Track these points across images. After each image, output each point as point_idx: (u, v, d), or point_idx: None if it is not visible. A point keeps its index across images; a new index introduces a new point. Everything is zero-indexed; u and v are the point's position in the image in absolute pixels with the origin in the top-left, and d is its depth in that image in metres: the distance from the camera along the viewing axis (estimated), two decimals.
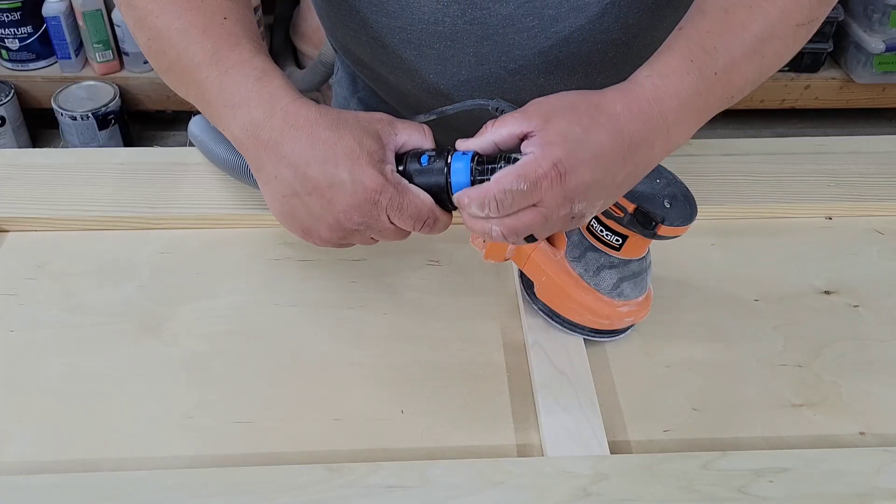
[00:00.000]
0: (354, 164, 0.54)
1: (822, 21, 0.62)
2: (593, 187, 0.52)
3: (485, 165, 0.54)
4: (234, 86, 0.57)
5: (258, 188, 0.67)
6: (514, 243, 0.56)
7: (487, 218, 0.53)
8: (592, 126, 0.52)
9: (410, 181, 0.56)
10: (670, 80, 0.54)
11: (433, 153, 0.56)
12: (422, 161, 0.56)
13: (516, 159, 0.53)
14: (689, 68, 0.55)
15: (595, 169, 0.52)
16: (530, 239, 0.55)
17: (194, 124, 0.82)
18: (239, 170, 0.77)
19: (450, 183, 0.55)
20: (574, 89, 0.57)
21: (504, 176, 0.52)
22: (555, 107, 0.53)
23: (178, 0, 0.59)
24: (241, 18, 0.60)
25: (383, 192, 0.54)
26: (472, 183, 0.55)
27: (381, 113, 0.58)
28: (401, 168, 0.56)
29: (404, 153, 0.57)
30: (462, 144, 0.56)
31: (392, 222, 0.56)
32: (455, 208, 0.57)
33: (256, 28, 0.62)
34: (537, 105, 0.54)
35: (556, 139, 0.51)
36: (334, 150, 0.54)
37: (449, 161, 0.55)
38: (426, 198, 0.56)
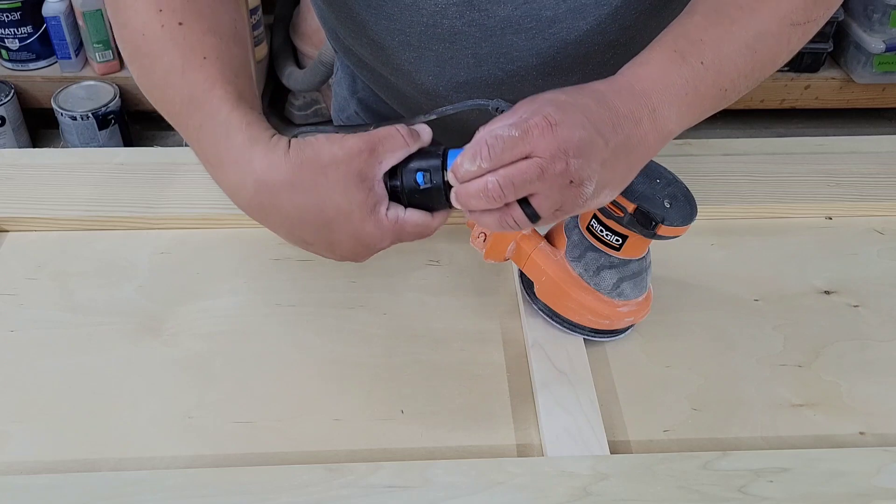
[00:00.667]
0: (347, 223, 0.54)
1: (822, 23, 0.62)
2: (587, 143, 0.51)
3: None
4: (208, 144, 0.56)
5: None
6: (517, 224, 0.53)
7: (482, 173, 0.52)
8: (577, 95, 0.53)
9: (407, 193, 0.56)
10: (651, 66, 0.56)
11: (427, 167, 0.55)
12: (418, 179, 0.56)
13: None
14: (673, 57, 0.56)
15: (586, 125, 0.51)
16: (532, 215, 0.53)
17: None
18: None
19: (447, 182, 0.55)
20: None
21: (495, 124, 0.52)
22: (540, 94, 0.54)
23: (163, 36, 0.58)
24: (221, 56, 0.58)
25: (383, 239, 0.56)
26: None
27: (358, 141, 0.54)
28: (396, 183, 0.56)
29: (396, 167, 0.56)
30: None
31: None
32: (452, 207, 0.57)
33: (240, 63, 0.59)
34: (523, 100, 0.54)
35: (544, 103, 0.52)
36: (324, 214, 0.53)
37: (445, 161, 0.55)
38: (422, 218, 0.56)
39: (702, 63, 0.56)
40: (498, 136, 0.51)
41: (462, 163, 0.52)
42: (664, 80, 0.55)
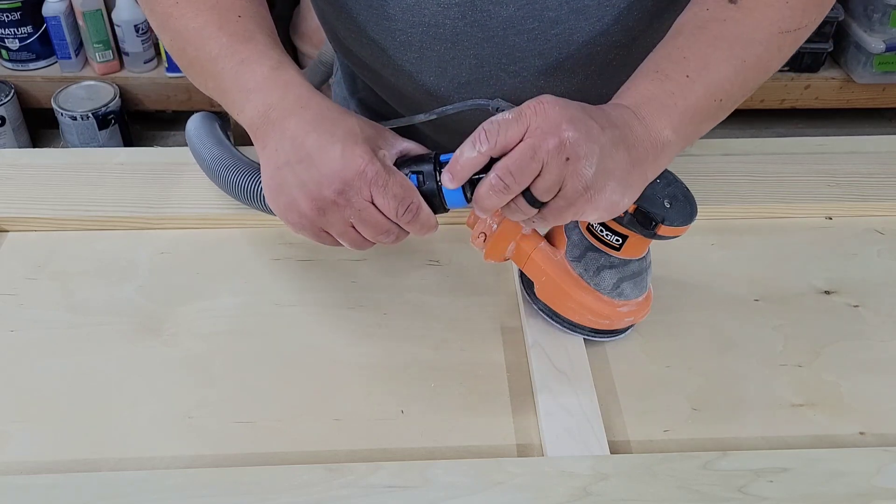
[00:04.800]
0: (348, 140, 0.56)
1: (814, 27, 0.63)
2: (579, 120, 0.53)
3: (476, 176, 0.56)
4: (249, 73, 0.60)
5: (236, 196, 0.71)
6: (521, 211, 0.55)
7: (483, 157, 0.54)
8: (567, 104, 0.54)
9: None
10: (634, 88, 0.58)
11: (421, 170, 0.57)
12: (412, 180, 0.57)
13: None
14: (654, 77, 0.58)
15: (579, 109, 0.54)
16: (531, 199, 0.54)
17: (191, 123, 0.83)
18: (216, 174, 0.76)
19: (440, 186, 0.56)
20: (574, 91, 0.58)
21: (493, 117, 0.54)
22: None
23: (195, 2, 0.63)
24: (254, 15, 0.64)
25: (370, 164, 0.55)
26: (466, 192, 0.56)
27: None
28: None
29: (400, 162, 0.59)
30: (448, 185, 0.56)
31: (374, 202, 0.56)
32: (446, 210, 0.58)
33: (271, 24, 0.65)
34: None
35: (542, 96, 0.54)
36: (334, 127, 0.57)
37: (438, 166, 0.56)
38: (412, 185, 0.57)
39: (687, 76, 0.58)
40: (493, 121, 0.53)
41: (463, 150, 0.54)
42: (647, 95, 0.57)
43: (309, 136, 0.57)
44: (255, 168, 0.72)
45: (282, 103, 0.58)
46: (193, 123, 0.81)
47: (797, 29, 0.61)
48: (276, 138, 0.58)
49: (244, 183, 0.72)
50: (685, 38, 0.60)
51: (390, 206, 0.56)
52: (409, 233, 0.59)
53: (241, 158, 0.74)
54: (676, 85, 0.57)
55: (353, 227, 0.58)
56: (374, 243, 0.59)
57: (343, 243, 0.60)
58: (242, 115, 0.60)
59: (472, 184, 0.56)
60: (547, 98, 0.53)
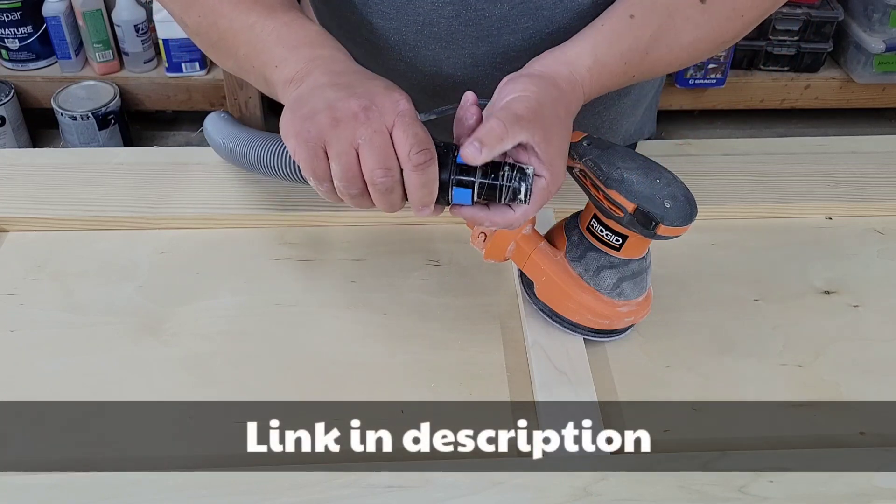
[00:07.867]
0: (392, 84, 0.57)
1: (755, 24, 0.66)
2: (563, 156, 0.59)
3: (488, 180, 0.56)
4: (294, 34, 0.60)
5: (262, 173, 0.70)
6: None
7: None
8: (571, 133, 0.59)
9: None
10: (590, 46, 0.62)
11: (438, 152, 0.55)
12: None
13: (521, 169, 0.55)
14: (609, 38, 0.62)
15: (563, 140, 0.59)
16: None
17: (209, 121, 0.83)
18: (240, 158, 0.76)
19: (452, 179, 0.56)
20: None
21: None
22: (548, 120, 0.57)
23: None
24: None
25: (407, 101, 0.55)
26: (475, 192, 0.56)
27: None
28: None
29: None
30: (470, 156, 0.54)
31: (392, 133, 0.54)
32: (448, 203, 0.58)
33: (297, 5, 0.65)
34: (533, 114, 0.56)
35: (557, 160, 0.56)
36: (379, 78, 0.57)
37: (454, 160, 0.56)
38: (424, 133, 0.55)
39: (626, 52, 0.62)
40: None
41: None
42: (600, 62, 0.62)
43: (354, 74, 0.57)
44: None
45: (332, 57, 0.58)
46: (210, 121, 0.81)
47: (743, 16, 0.64)
48: (318, 73, 0.57)
49: (273, 154, 0.70)
50: (641, 8, 0.63)
51: (406, 142, 0.53)
52: (403, 196, 0.56)
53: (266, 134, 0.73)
54: (616, 62, 0.62)
55: (356, 152, 0.54)
56: (361, 189, 0.55)
57: (335, 170, 0.54)
58: (283, 67, 0.59)
59: (480, 186, 0.56)
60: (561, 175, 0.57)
